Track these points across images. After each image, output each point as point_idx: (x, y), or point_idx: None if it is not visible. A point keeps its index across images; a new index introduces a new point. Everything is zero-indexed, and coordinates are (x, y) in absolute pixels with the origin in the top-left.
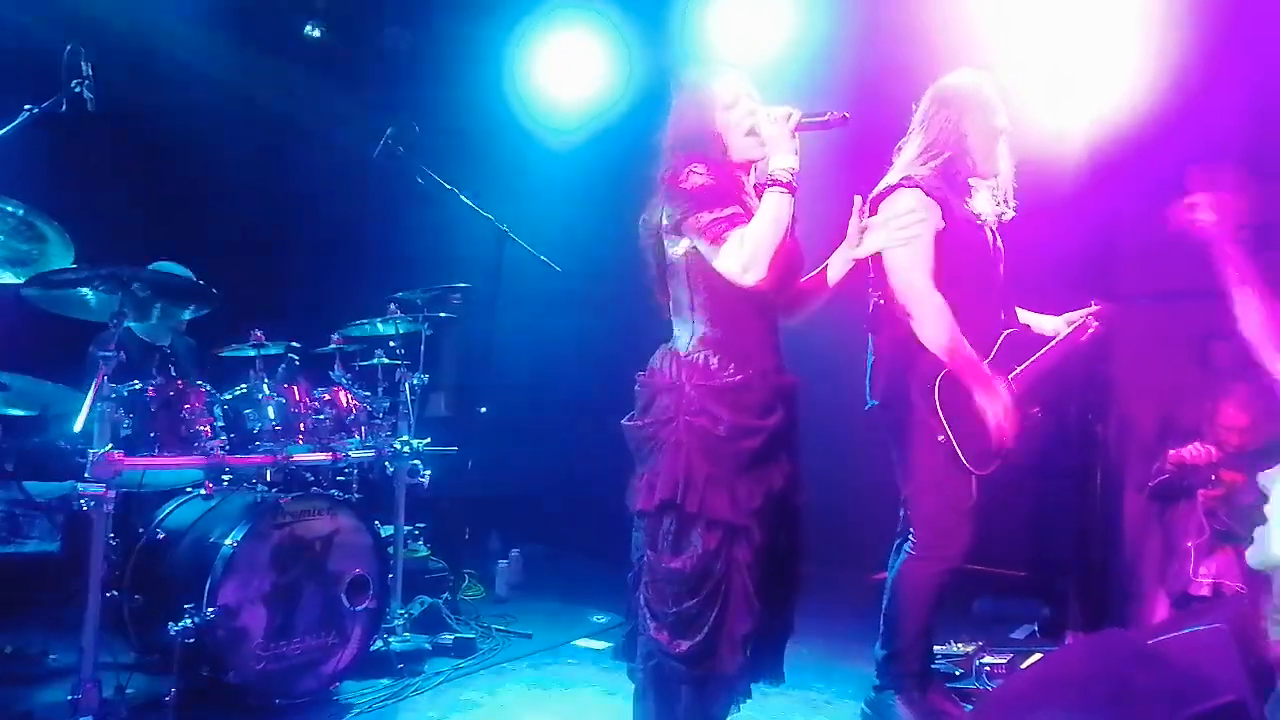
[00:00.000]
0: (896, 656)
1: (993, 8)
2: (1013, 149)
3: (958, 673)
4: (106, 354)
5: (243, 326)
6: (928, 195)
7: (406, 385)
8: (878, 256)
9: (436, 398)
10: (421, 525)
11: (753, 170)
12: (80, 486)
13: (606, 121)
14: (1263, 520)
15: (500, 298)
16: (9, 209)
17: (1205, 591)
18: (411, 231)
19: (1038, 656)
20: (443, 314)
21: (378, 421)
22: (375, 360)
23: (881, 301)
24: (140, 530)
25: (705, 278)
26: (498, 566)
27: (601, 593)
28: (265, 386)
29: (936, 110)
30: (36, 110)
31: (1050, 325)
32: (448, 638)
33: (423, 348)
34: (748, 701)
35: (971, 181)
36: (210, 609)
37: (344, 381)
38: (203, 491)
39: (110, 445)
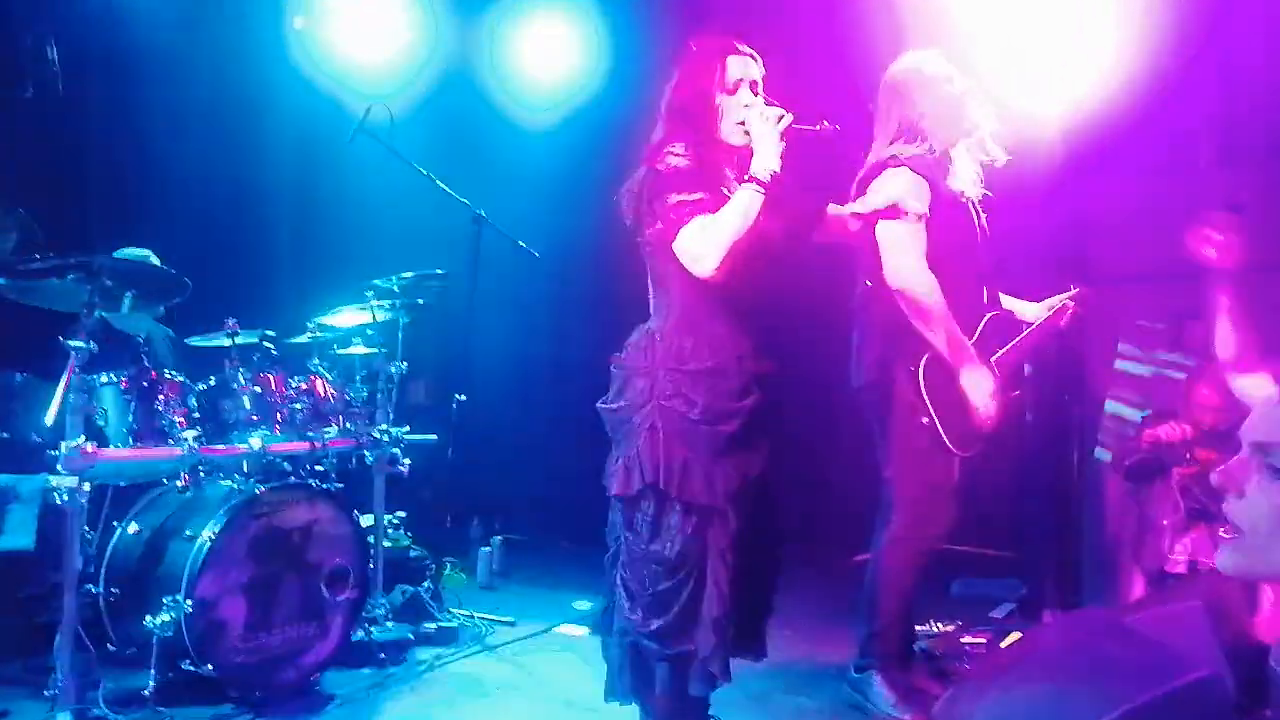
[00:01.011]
0: (877, 635)
1: None
2: (990, 104)
3: (937, 653)
4: (77, 344)
5: (216, 315)
6: (916, 173)
7: (384, 373)
8: (866, 239)
9: (415, 385)
10: (402, 514)
11: (737, 159)
12: (53, 479)
13: (583, 104)
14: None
15: (478, 284)
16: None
17: (1181, 569)
18: (388, 218)
19: (1016, 636)
20: (420, 301)
21: (356, 410)
22: (353, 348)
23: (869, 284)
24: (115, 523)
25: (676, 260)
26: (479, 554)
27: (584, 579)
28: (241, 376)
29: (889, 102)
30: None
31: (1031, 311)
32: (430, 626)
33: (400, 335)
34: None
35: (953, 152)
36: (188, 601)
37: (321, 370)
38: (179, 483)
39: (83, 437)
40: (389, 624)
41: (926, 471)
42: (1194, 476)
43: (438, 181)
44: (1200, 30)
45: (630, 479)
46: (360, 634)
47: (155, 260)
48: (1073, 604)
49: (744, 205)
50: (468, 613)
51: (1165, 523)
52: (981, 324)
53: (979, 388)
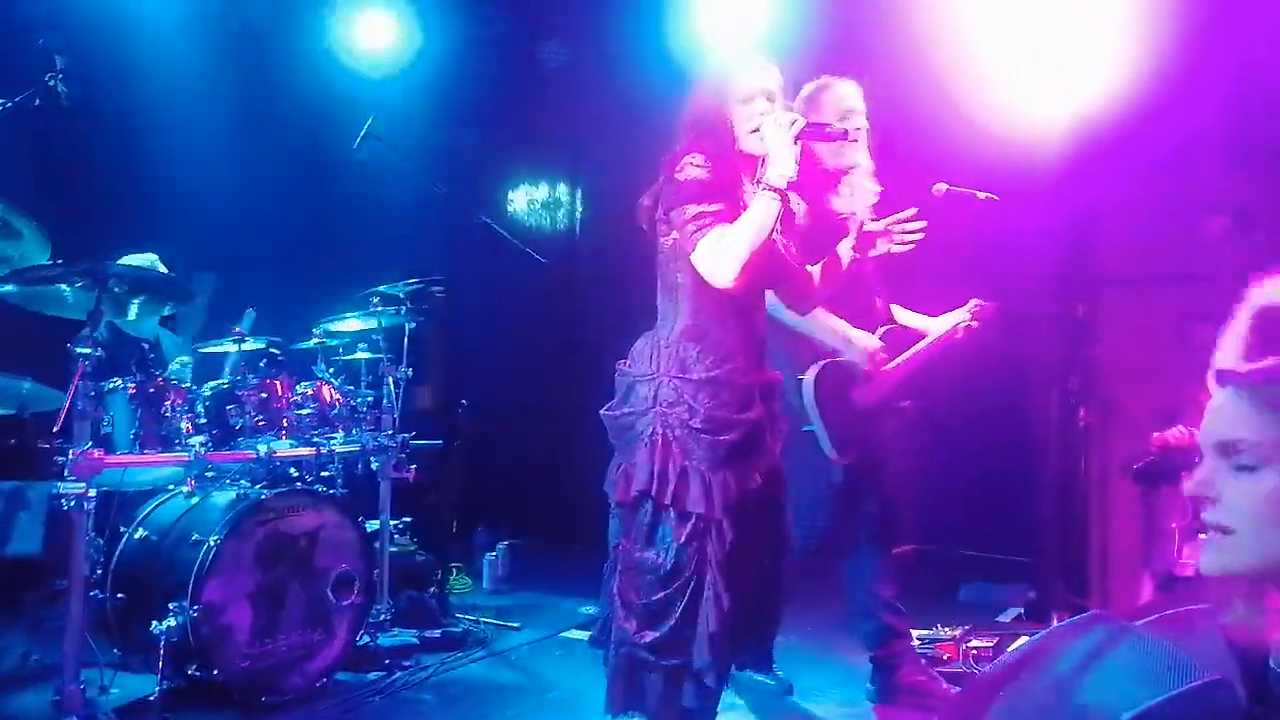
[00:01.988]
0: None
1: None
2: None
3: (945, 657)
4: (85, 351)
5: (224, 321)
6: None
7: (390, 379)
8: None
9: (421, 391)
10: (407, 519)
11: (758, 166)
12: (61, 486)
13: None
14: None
15: (484, 289)
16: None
17: (1190, 573)
18: (393, 224)
19: (1024, 640)
20: (426, 307)
21: (361, 416)
22: (358, 354)
23: None
24: (122, 529)
25: (689, 269)
26: (485, 559)
27: (590, 584)
28: (247, 382)
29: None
30: (9, 105)
31: (929, 325)
32: (435, 632)
33: (406, 341)
34: (731, 690)
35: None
36: (194, 607)
37: (327, 376)
38: (185, 489)
39: (90, 444)
40: (395, 629)
41: (806, 476)
42: None
43: (444, 189)
44: (1207, 31)
45: (629, 486)
46: (366, 639)
47: (160, 265)
48: (1081, 608)
49: (761, 212)
50: (473, 618)
51: (1174, 526)
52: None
53: (856, 349)
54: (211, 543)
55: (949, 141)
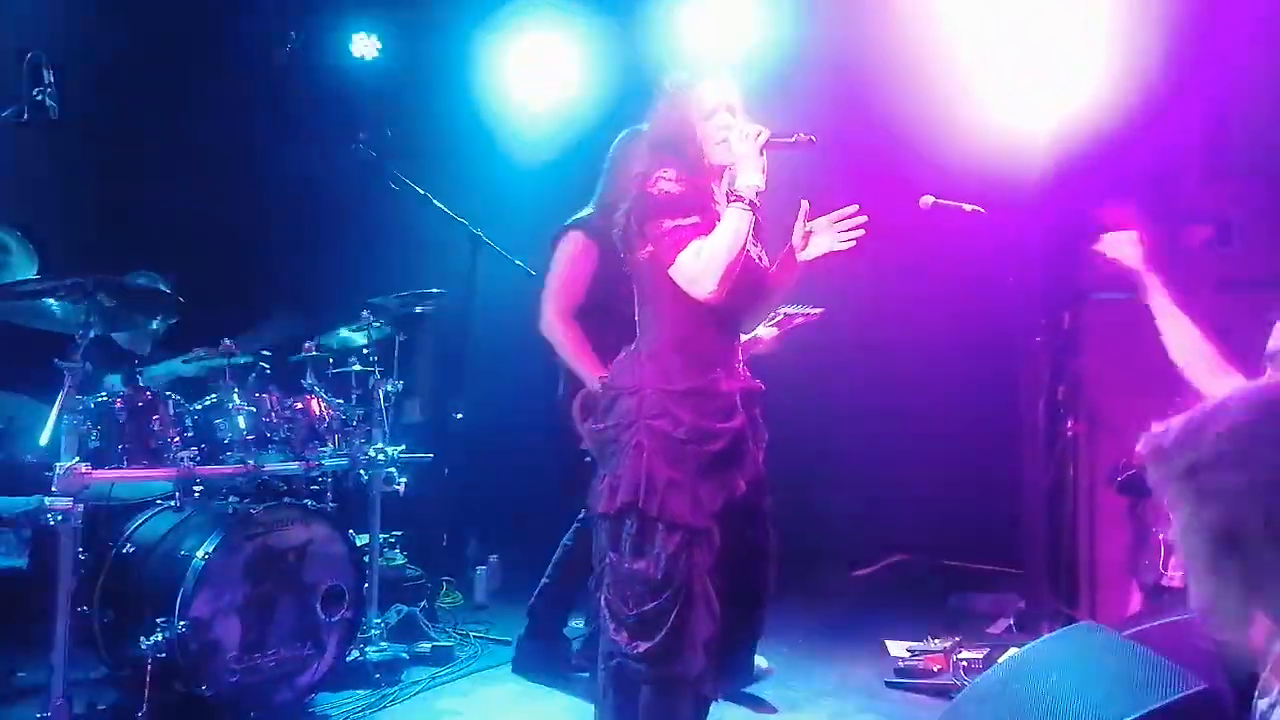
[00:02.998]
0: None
1: (959, 8)
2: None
3: (935, 668)
4: (71, 365)
5: (212, 335)
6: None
7: (380, 392)
8: None
9: (411, 404)
10: (397, 533)
11: (724, 178)
12: (47, 501)
13: (579, 123)
14: None
15: (474, 302)
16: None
17: (1178, 583)
18: (384, 237)
19: (1013, 651)
20: (417, 319)
21: (351, 429)
22: (348, 367)
23: None
24: (110, 544)
25: (668, 282)
26: (476, 573)
27: (580, 598)
28: (236, 396)
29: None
30: None
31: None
32: (425, 646)
33: (396, 354)
34: (717, 701)
35: None
36: (182, 622)
37: (316, 389)
38: (173, 503)
39: (77, 458)
40: (384, 644)
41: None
42: None
43: (434, 200)
44: (1189, 45)
45: (614, 497)
46: (355, 654)
47: (162, 285)
48: (1070, 618)
49: (734, 225)
50: (464, 632)
51: (1162, 537)
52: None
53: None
54: (199, 557)
55: (935, 154)
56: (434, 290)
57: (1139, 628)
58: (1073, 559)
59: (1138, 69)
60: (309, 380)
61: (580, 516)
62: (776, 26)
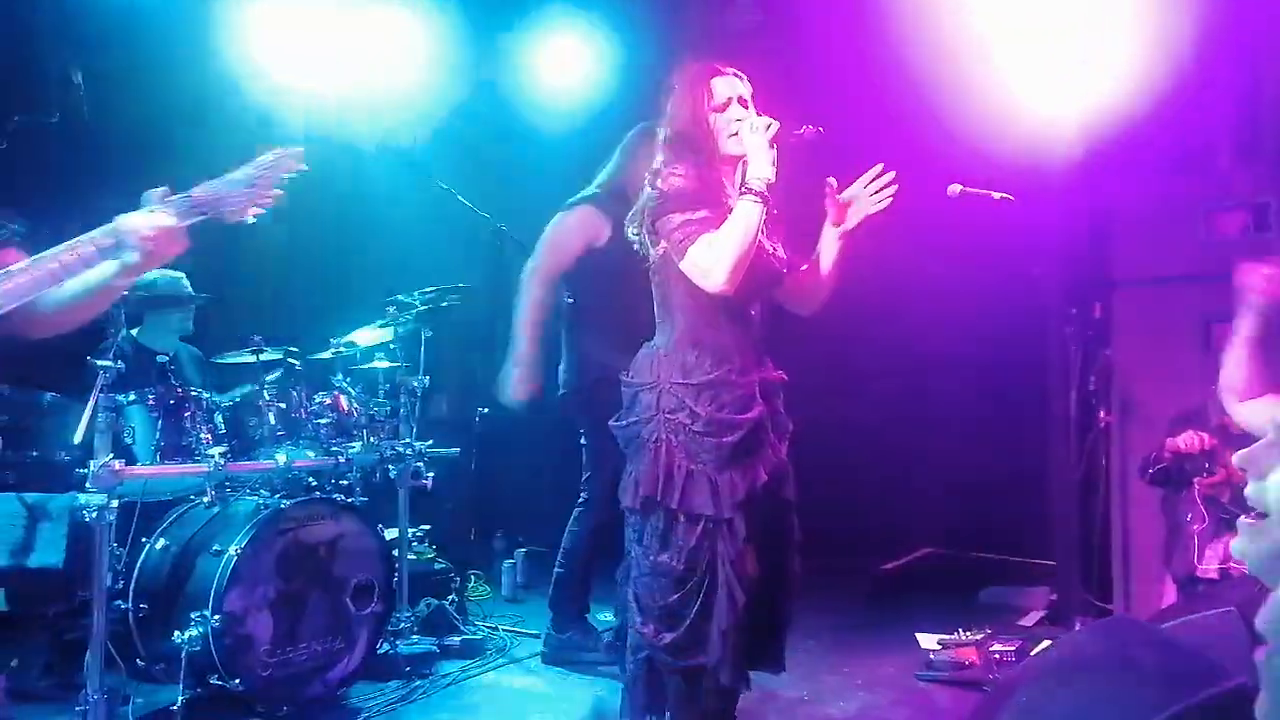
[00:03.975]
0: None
1: None
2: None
3: (967, 661)
4: (105, 364)
5: (242, 333)
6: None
7: (407, 388)
8: None
9: (438, 399)
10: (426, 527)
11: (738, 170)
12: (82, 498)
13: (602, 118)
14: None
15: (499, 297)
16: (14, 226)
17: (1213, 574)
18: (409, 233)
19: (1047, 644)
20: (442, 313)
21: (379, 424)
22: (375, 363)
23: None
24: (143, 540)
25: (681, 277)
26: (504, 566)
27: (608, 591)
28: (266, 392)
29: None
30: (29, 120)
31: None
32: (455, 639)
33: (423, 349)
34: (747, 690)
35: None
36: (216, 617)
37: (344, 386)
38: (205, 499)
39: (111, 455)
40: (414, 637)
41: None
42: (1220, 484)
43: (459, 197)
44: (1220, 28)
45: (637, 491)
46: (386, 648)
47: (187, 283)
48: (1103, 611)
49: (745, 217)
50: (493, 625)
51: (1194, 529)
52: None
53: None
54: (232, 552)
55: (964, 142)
56: (459, 285)
57: (1175, 621)
58: (1105, 551)
59: (1166, 53)
60: (337, 377)
61: (580, 501)
62: (805, 14)
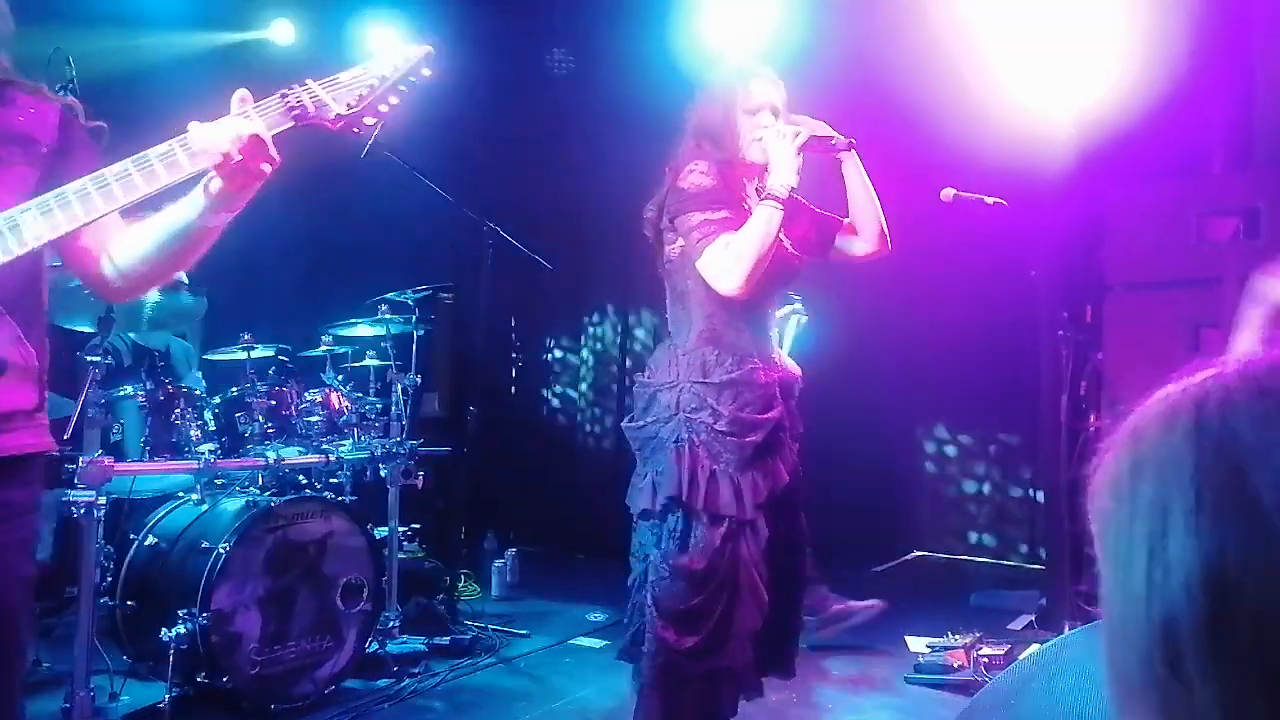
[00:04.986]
0: None
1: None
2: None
3: (955, 664)
4: (95, 359)
5: (233, 330)
6: None
7: (398, 386)
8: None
9: (429, 398)
10: (416, 526)
11: (759, 175)
12: (70, 494)
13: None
14: None
15: (491, 296)
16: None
17: None
18: (401, 232)
19: (1035, 647)
20: (434, 314)
21: (370, 423)
22: (367, 361)
23: None
24: (132, 536)
25: (697, 276)
26: (494, 566)
27: (598, 591)
28: (256, 390)
29: None
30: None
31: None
32: (444, 639)
33: (414, 348)
34: (760, 696)
35: None
36: (204, 614)
37: (336, 383)
38: (194, 496)
39: (100, 451)
40: (403, 636)
41: None
42: None
43: (449, 197)
44: (1212, 35)
45: (657, 493)
46: (375, 646)
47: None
48: (1092, 615)
49: (764, 223)
50: (482, 625)
51: None
52: None
53: None
54: (221, 550)
55: (957, 147)
56: (450, 284)
57: None
58: (1095, 554)
59: (1159, 58)
60: (328, 374)
61: None
62: (798, 17)
